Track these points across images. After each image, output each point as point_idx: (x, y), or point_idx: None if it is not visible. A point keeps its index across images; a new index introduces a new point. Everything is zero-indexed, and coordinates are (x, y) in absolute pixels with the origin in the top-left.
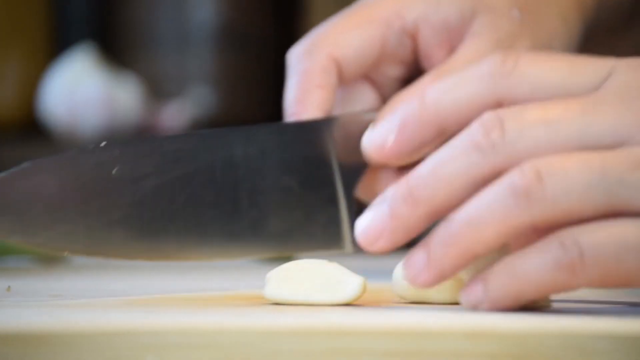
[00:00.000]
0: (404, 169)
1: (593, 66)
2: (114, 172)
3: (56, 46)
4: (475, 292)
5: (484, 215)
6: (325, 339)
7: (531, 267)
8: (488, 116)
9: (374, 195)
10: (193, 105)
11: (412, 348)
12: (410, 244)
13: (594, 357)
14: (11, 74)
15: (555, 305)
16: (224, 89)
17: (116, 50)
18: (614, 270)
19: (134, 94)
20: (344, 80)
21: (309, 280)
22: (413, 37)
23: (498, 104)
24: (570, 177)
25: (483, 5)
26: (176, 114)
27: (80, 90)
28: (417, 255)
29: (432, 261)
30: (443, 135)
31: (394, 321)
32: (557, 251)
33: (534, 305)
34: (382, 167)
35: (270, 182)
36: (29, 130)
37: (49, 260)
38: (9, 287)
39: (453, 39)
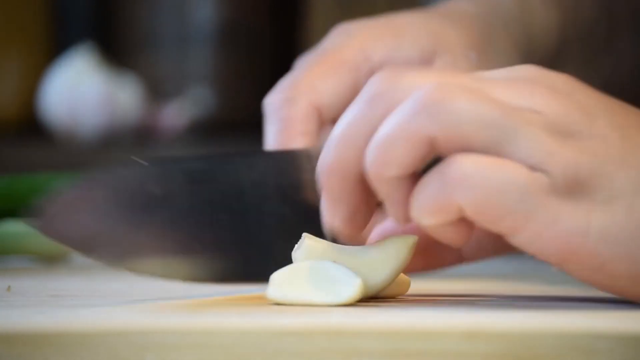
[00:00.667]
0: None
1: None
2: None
3: (56, 46)
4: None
5: (391, 132)
6: (325, 339)
7: (424, 181)
8: (374, 78)
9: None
10: (193, 105)
11: (412, 348)
12: None
13: (594, 357)
14: (11, 74)
15: (555, 304)
16: (224, 89)
17: (116, 50)
18: (493, 200)
19: (134, 94)
20: (321, 127)
21: (310, 280)
22: None
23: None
24: (474, 102)
25: (442, 46)
26: (176, 114)
27: (80, 90)
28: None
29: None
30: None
31: (394, 321)
32: (442, 166)
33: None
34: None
35: (270, 209)
36: (29, 130)
37: (49, 260)
38: (9, 287)
39: None
